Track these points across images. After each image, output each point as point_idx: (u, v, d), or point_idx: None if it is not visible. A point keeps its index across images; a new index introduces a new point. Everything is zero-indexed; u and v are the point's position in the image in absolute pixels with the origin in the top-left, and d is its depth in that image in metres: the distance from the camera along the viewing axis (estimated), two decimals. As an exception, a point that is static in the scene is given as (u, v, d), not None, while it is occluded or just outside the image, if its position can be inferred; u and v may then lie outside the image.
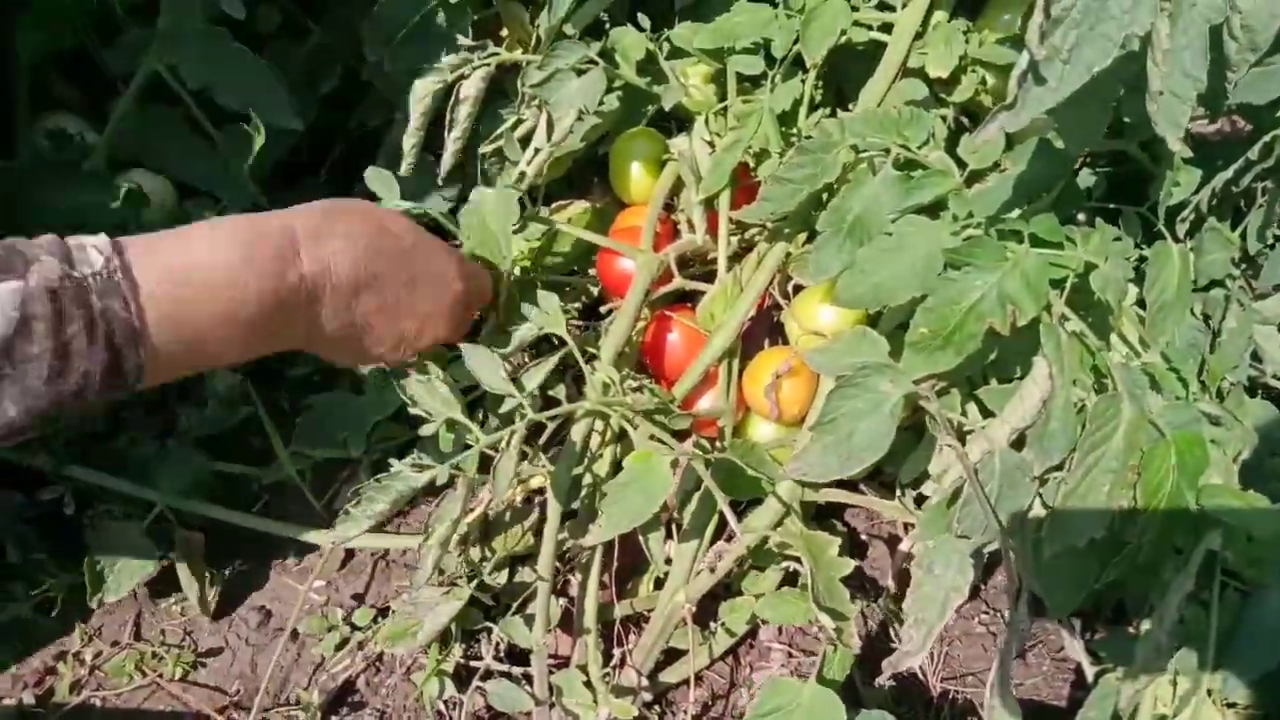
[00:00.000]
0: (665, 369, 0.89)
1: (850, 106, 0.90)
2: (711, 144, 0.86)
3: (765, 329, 0.92)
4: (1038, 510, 0.68)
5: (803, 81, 0.87)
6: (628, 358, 0.88)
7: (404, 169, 0.89)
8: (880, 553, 1.01)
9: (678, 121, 0.96)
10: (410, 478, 0.66)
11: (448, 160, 0.87)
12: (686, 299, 0.96)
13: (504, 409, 0.68)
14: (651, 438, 0.70)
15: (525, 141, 0.85)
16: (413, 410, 0.69)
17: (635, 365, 0.91)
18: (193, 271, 0.57)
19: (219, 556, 0.94)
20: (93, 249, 0.54)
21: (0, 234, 0.53)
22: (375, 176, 0.78)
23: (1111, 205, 0.81)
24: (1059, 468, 0.65)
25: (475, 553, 0.85)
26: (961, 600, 0.65)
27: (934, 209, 0.69)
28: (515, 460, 0.65)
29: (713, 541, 0.85)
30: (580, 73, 0.78)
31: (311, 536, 0.90)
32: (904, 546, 0.96)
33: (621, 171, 0.93)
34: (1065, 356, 0.61)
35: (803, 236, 0.84)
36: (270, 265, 0.60)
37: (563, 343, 0.76)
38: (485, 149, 0.87)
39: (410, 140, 0.88)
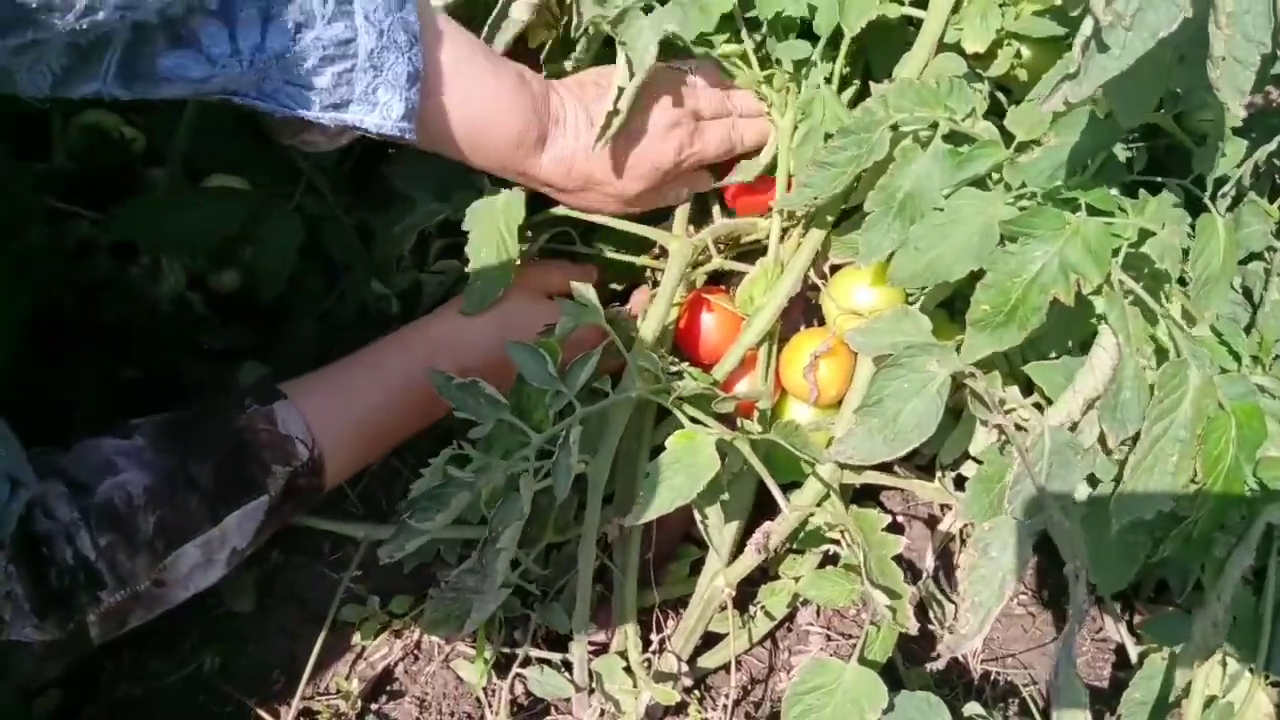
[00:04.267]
0: (701, 352, 0.88)
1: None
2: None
3: (801, 311, 0.91)
4: (1085, 488, 0.67)
5: (833, 61, 0.86)
6: (662, 340, 0.87)
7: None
8: (919, 534, 1.00)
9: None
10: (465, 483, 0.65)
11: None
12: (719, 281, 0.95)
13: (554, 406, 0.67)
14: (694, 420, 0.69)
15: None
16: (459, 414, 0.68)
17: (670, 348, 0.90)
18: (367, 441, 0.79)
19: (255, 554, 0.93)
20: (300, 445, 0.71)
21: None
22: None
23: (1151, 178, 0.80)
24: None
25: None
26: (1017, 583, 0.64)
27: (983, 182, 0.68)
28: (576, 458, 0.64)
29: (747, 528, 0.84)
30: (647, 9, 0.77)
31: (349, 529, 0.89)
32: (944, 527, 0.96)
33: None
34: (1130, 324, 0.60)
35: (836, 217, 0.83)
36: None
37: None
38: None
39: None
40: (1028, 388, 0.77)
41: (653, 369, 0.72)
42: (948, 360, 0.63)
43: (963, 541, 0.96)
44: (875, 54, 0.93)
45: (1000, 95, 0.88)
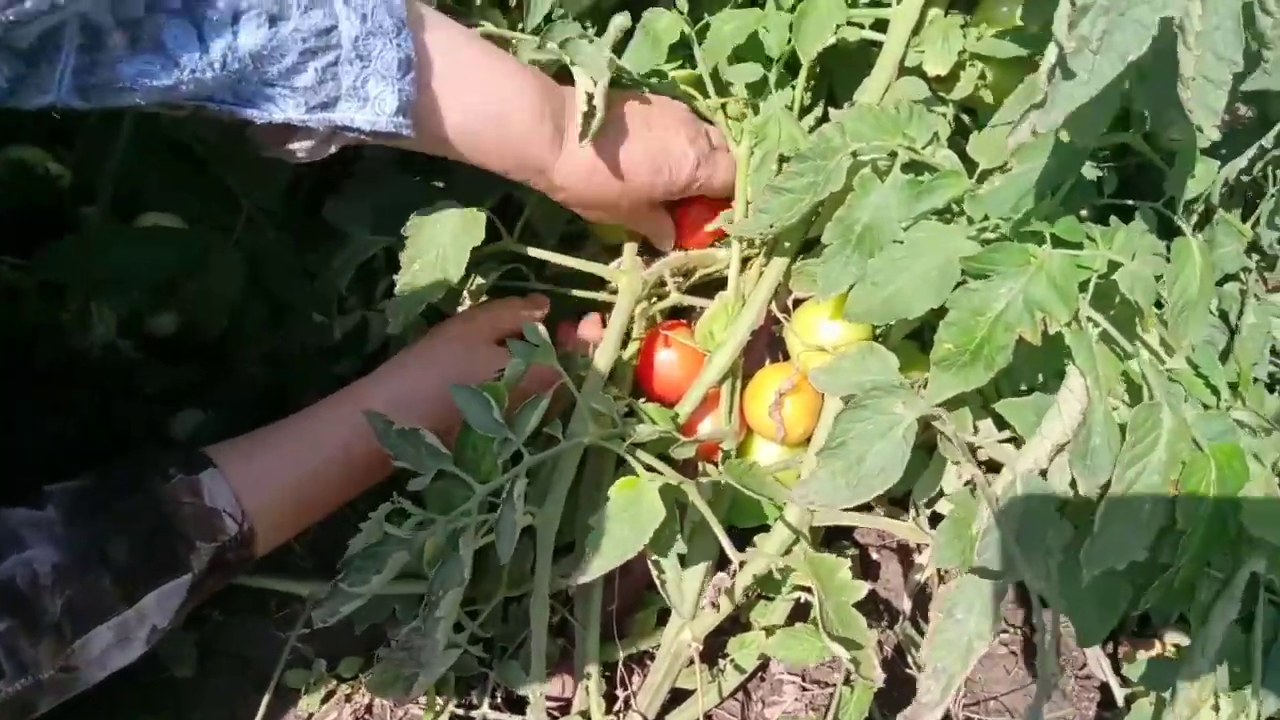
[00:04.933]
0: (663, 390, 0.85)
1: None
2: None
3: (765, 344, 0.87)
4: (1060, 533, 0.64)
5: (793, 88, 0.83)
6: (616, 377, 0.84)
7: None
8: (893, 571, 0.96)
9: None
10: (402, 541, 0.61)
11: None
12: (680, 315, 0.92)
13: (502, 455, 0.63)
14: (650, 468, 0.66)
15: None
16: (397, 463, 0.64)
17: (627, 386, 0.86)
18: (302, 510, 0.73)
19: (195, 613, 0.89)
20: (228, 518, 0.66)
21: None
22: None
23: (1122, 201, 0.77)
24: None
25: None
26: (986, 647, 0.61)
27: (946, 213, 0.65)
28: (520, 513, 0.60)
29: (718, 569, 0.80)
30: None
31: (294, 586, 0.85)
32: (920, 563, 0.92)
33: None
34: (1099, 365, 0.57)
35: (797, 248, 0.80)
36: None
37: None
38: None
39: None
40: (1001, 420, 0.74)
41: (606, 411, 0.68)
42: (914, 403, 0.59)
43: (941, 579, 0.93)
44: (838, 78, 0.90)
45: (965, 118, 0.86)
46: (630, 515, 0.61)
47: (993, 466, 0.68)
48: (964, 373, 0.62)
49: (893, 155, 0.67)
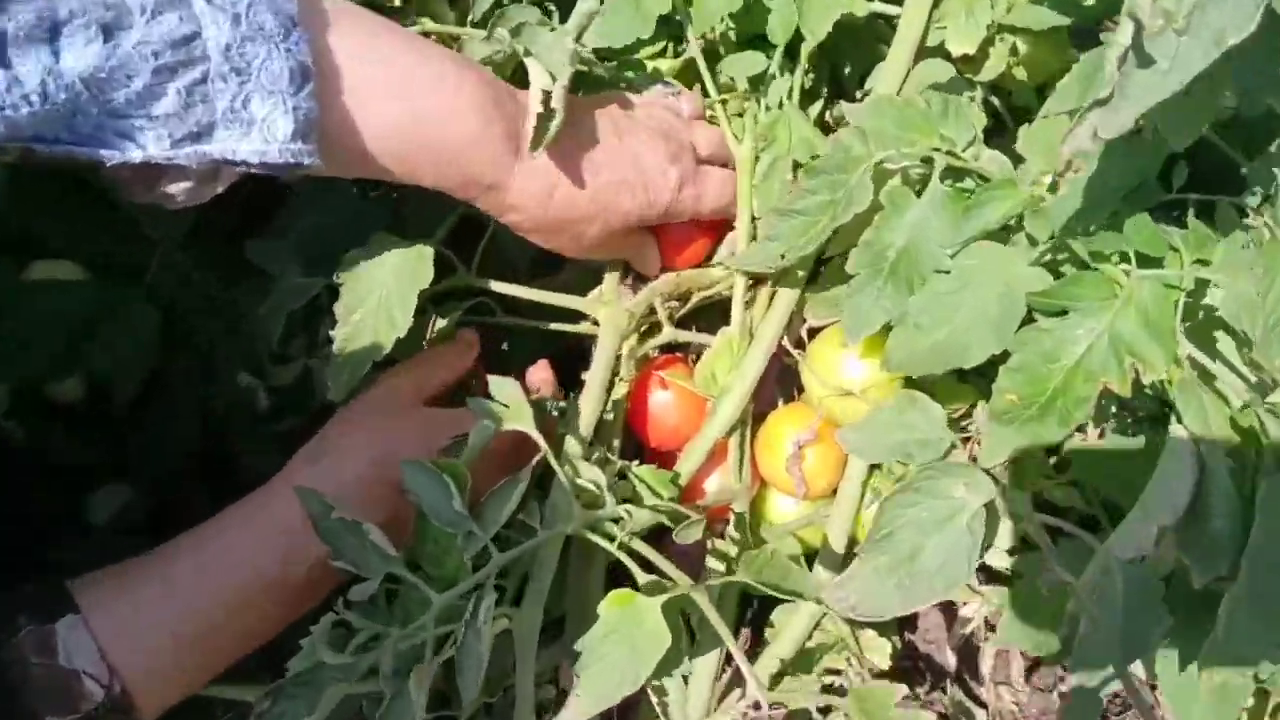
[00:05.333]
0: (658, 439, 0.73)
1: (859, 97, 0.73)
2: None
3: (774, 376, 0.75)
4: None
5: (793, 73, 0.71)
6: (610, 424, 0.71)
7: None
8: (934, 622, 0.85)
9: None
10: (346, 667, 0.49)
11: None
12: (675, 346, 0.80)
13: (468, 551, 0.51)
14: (648, 566, 0.53)
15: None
16: (336, 563, 0.52)
17: (616, 438, 0.74)
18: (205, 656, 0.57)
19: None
20: (90, 682, 0.51)
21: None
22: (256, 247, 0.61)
23: (1186, 196, 0.65)
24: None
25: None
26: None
27: (1000, 232, 0.53)
28: (487, 641, 0.48)
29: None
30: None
31: (241, 692, 0.72)
32: (965, 613, 0.81)
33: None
34: (1213, 421, 0.45)
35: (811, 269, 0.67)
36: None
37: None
38: None
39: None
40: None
41: (593, 486, 0.56)
42: (979, 484, 0.47)
43: (989, 630, 0.81)
44: (843, 59, 0.77)
45: (996, 101, 0.73)
46: (627, 640, 0.49)
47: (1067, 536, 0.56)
48: (1031, 428, 0.50)
49: (927, 161, 0.54)
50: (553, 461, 0.55)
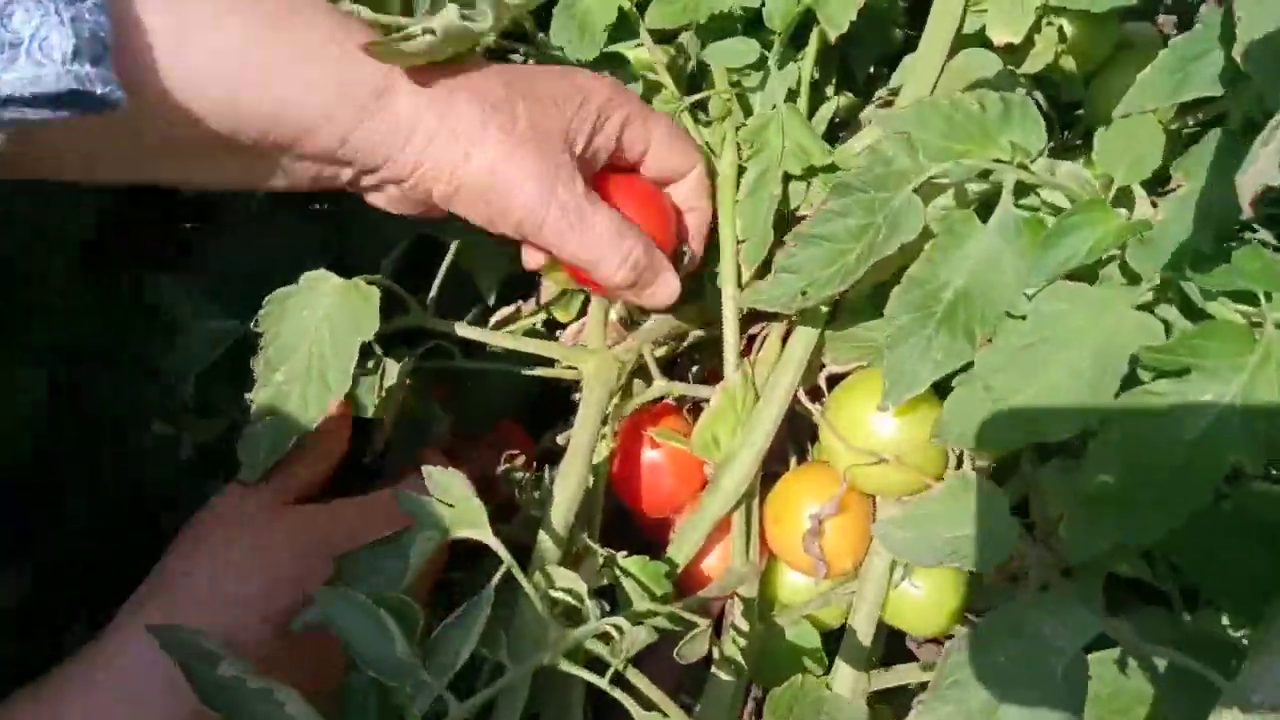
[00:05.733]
0: (649, 504, 0.61)
1: (878, 94, 0.62)
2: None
3: (785, 428, 0.64)
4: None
5: (798, 62, 0.59)
6: (591, 494, 0.59)
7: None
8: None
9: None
10: None
11: None
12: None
13: (417, 704, 0.39)
14: (646, 704, 0.42)
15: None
16: None
17: (604, 497, 0.63)
18: None
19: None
20: None
21: None
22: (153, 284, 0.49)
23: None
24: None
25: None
26: None
27: (1090, 269, 0.41)
28: None
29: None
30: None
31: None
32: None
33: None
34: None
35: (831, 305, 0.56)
36: None
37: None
38: None
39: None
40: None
41: (573, 598, 0.44)
42: (1076, 620, 0.35)
43: None
44: (854, 49, 0.66)
45: (1041, 98, 0.62)
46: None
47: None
48: (1131, 521, 0.39)
49: (986, 176, 0.43)
50: (519, 576, 0.43)
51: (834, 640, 0.59)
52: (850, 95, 0.66)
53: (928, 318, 0.42)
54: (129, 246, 0.68)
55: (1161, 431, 0.37)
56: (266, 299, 0.53)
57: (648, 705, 0.41)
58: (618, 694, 0.40)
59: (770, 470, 0.60)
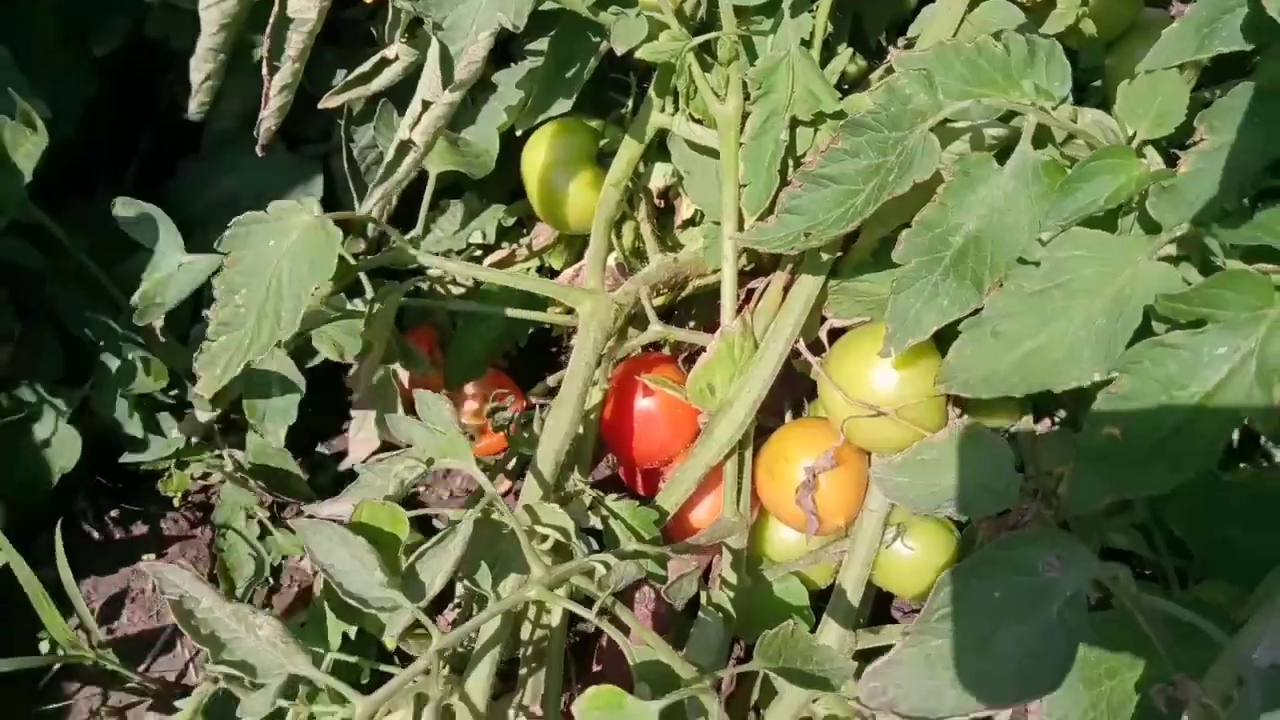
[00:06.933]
0: (640, 453, 0.60)
1: (895, 47, 0.60)
2: (698, 120, 0.55)
3: (782, 383, 0.63)
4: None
5: (812, 13, 0.57)
6: (575, 454, 0.58)
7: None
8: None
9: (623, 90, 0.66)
10: None
11: (270, 117, 0.54)
12: (659, 342, 0.67)
13: (392, 628, 0.38)
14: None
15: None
16: (213, 667, 0.38)
17: (594, 444, 0.62)
18: None
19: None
20: None
21: None
22: (124, 206, 0.47)
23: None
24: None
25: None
26: None
27: (1109, 218, 0.40)
28: None
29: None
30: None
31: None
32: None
33: (546, 185, 0.63)
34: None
35: (835, 254, 0.55)
36: None
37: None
38: (332, 101, 0.54)
39: (201, 77, 0.55)
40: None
41: (562, 534, 0.43)
42: (1078, 557, 0.35)
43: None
44: (865, 9, 0.64)
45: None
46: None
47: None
48: (1132, 474, 0.38)
49: (1009, 120, 0.42)
50: (505, 512, 0.42)
51: (821, 601, 0.59)
52: (861, 61, 0.65)
53: (936, 263, 0.41)
54: (108, 171, 0.66)
55: (1171, 385, 0.36)
56: (234, 220, 0.51)
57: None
58: (604, 625, 0.39)
59: (765, 426, 0.60)
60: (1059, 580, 0.35)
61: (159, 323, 0.57)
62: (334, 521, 0.41)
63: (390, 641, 0.41)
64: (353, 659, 0.43)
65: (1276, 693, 0.35)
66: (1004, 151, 0.41)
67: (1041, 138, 0.42)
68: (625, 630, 0.41)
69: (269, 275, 0.47)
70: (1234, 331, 0.35)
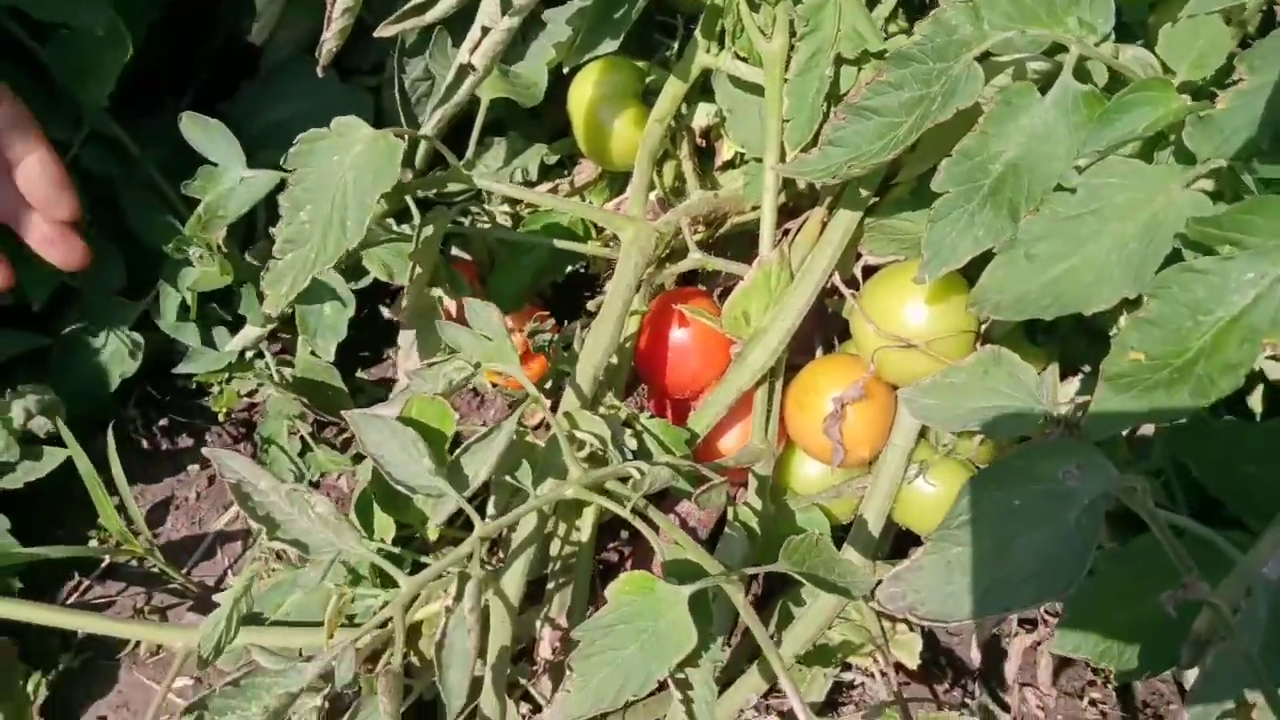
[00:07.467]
0: (673, 383, 0.62)
1: None
2: (743, 59, 0.57)
3: (814, 322, 0.64)
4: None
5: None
6: (613, 377, 0.60)
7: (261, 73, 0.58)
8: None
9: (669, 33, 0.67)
10: (286, 678, 0.38)
11: (331, 38, 0.56)
12: (694, 278, 0.68)
13: (437, 516, 0.40)
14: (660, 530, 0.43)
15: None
16: (270, 542, 0.41)
17: (628, 374, 0.64)
18: None
19: (43, 653, 0.67)
20: None
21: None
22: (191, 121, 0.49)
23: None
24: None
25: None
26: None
27: (1146, 149, 0.41)
28: (473, 642, 0.37)
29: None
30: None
31: (161, 635, 0.62)
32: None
33: (591, 120, 0.64)
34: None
35: (874, 191, 0.56)
36: None
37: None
38: (389, 30, 0.55)
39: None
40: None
41: (598, 441, 0.45)
42: (1096, 467, 0.36)
43: (1021, 626, 0.72)
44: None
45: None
46: (641, 634, 0.39)
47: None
48: (1156, 398, 0.39)
49: (1053, 54, 0.43)
50: (546, 412, 0.44)
51: (843, 534, 0.61)
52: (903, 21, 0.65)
53: (974, 191, 0.42)
54: (168, 97, 0.69)
55: (1197, 310, 0.37)
56: (298, 137, 0.53)
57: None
58: (638, 523, 0.41)
59: (795, 363, 0.61)
60: (1078, 490, 0.36)
61: (221, 234, 0.59)
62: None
63: (433, 531, 0.43)
64: (396, 550, 0.46)
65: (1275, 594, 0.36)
66: (1046, 86, 0.42)
67: (1083, 77, 0.43)
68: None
69: (333, 189, 0.49)
70: (1263, 258, 0.36)
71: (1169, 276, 0.37)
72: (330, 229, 0.49)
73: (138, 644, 0.69)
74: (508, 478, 0.43)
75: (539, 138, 0.74)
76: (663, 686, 0.43)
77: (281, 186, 0.61)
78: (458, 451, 0.42)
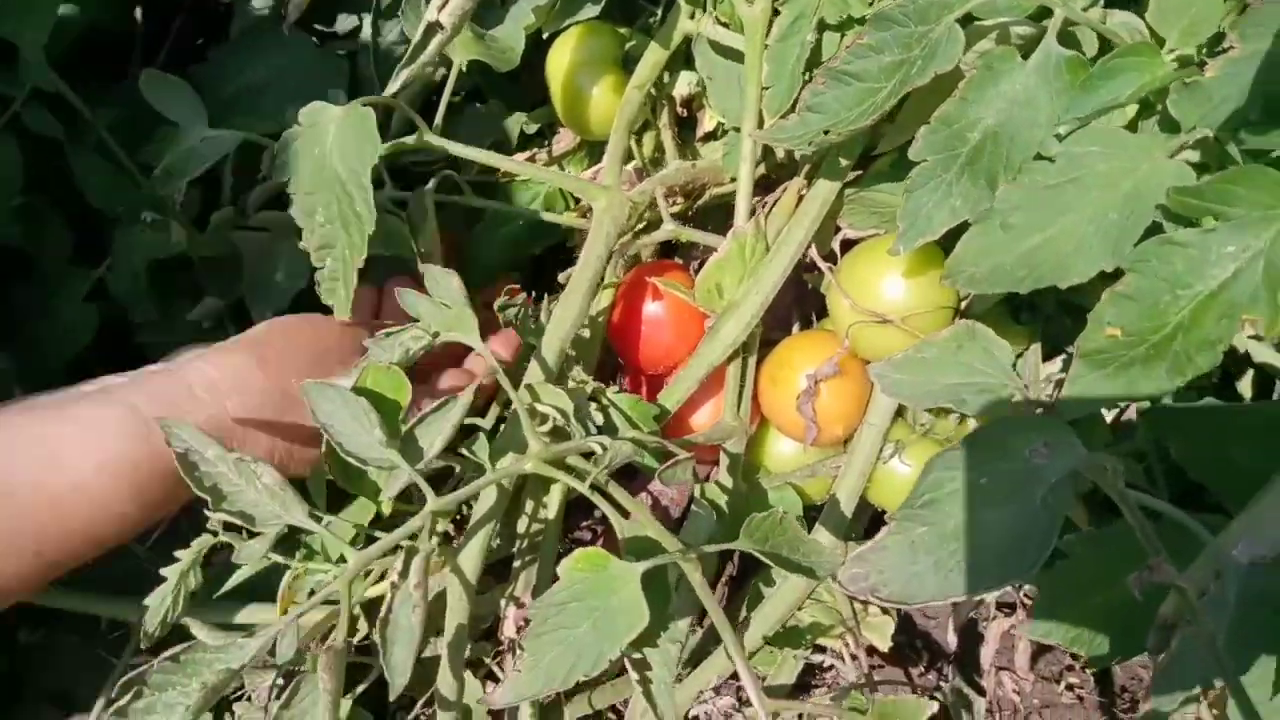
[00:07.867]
0: (645, 357, 0.60)
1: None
2: (724, 24, 0.55)
3: (791, 297, 0.63)
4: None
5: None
6: (583, 349, 0.59)
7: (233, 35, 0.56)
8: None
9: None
10: (227, 654, 0.37)
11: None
12: (672, 250, 0.67)
13: (389, 489, 0.39)
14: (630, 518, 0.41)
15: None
16: (213, 514, 0.39)
17: (600, 350, 0.62)
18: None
19: (1, 629, 0.66)
20: None
21: None
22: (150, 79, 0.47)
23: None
24: None
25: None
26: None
27: (1130, 119, 0.40)
28: (419, 617, 0.36)
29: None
30: None
31: (119, 610, 0.61)
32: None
33: (570, 86, 0.62)
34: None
35: (853, 162, 0.54)
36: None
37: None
38: None
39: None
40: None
41: (561, 415, 0.44)
42: (1065, 444, 0.35)
43: (998, 610, 0.71)
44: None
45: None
46: (593, 611, 0.37)
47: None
48: (1132, 375, 0.38)
49: (1037, 19, 0.41)
50: (505, 384, 0.43)
51: (815, 516, 0.60)
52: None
53: (952, 160, 0.41)
54: (138, 61, 0.66)
55: (1176, 284, 0.36)
56: (275, 145, 0.51)
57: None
58: (598, 499, 0.40)
59: (771, 339, 0.60)
60: (1045, 467, 0.35)
61: (180, 196, 0.57)
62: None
63: (386, 505, 0.42)
64: (348, 522, 0.44)
65: (1251, 587, 0.35)
66: (1030, 51, 0.41)
67: (1069, 44, 0.42)
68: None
69: (330, 182, 0.48)
70: (1244, 230, 0.35)
71: (1148, 249, 0.36)
72: (348, 221, 0.48)
73: (98, 618, 0.68)
74: (463, 451, 0.42)
75: (518, 106, 0.72)
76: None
77: (250, 148, 0.60)
78: (413, 421, 0.40)
